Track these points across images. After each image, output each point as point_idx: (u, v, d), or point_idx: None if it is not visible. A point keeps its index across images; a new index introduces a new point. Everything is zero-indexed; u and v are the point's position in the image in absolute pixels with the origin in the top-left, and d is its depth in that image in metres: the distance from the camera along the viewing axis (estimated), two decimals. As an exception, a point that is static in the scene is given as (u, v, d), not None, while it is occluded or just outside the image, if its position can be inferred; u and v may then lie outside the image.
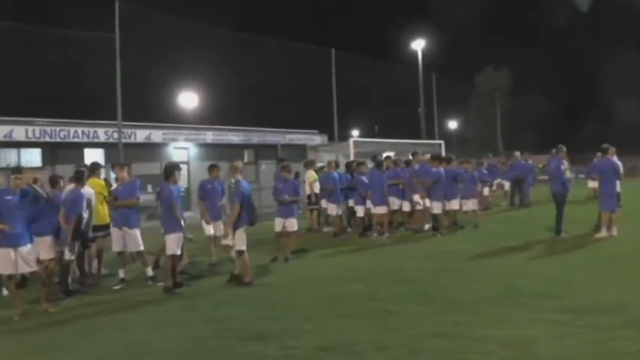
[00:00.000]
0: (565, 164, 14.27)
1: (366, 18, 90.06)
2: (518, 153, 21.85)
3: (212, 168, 12.33)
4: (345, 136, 64.79)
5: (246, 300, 8.99)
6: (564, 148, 14.64)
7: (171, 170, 10.14)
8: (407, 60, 49.03)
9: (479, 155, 31.52)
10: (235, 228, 9.87)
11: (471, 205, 16.19)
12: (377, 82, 53.90)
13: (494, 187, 22.71)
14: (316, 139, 34.79)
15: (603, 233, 13.63)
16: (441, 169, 15.26)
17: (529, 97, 60.50)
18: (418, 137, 47.29)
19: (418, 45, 47.84)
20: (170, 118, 33.61)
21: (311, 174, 17.06)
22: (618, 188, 14.15)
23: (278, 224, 12.35)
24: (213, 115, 36.99)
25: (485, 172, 21.43)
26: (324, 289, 9.56)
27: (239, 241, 9.88)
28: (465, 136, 63.90)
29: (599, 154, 15.27)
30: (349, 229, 16.49)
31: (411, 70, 48.00)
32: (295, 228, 12.41)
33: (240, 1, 59.54)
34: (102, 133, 25.92)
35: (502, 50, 65.41)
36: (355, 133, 72.90)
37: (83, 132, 25.89)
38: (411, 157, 17.00)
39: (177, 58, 36.64)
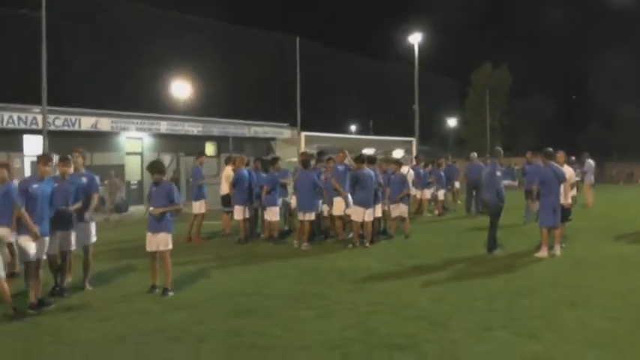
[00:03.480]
0: (501, 170, 11.98)
1: (360, 12, 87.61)
2: (474, 154, 19.49)
3: None
4: (344, 130, 63.17)
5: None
6: (502, 152, 12.37)
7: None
8: (404, 57, 46.90)
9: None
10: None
11: (399, 211, 13.81)
12: (373, 79, 52.15)
13: (454, 190, 20.54)
14: (286, 132, 32.52)
15: (543, 253, 11.37)
16: (367, 171, 12.92)
17: (529, 98, 57.84)
18: (412, 135, 45.21)
19: (415, 39, 45.98)
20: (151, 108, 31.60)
21: (227, 172, 14.82)
22: (566, 199, 11.95)
23: None
24: (203, 107, 35.28)
25: (441, 174, 19.30)
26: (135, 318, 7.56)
27: None
28: (460, 135, 61.43)
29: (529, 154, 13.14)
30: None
31: (406, 67, 45.95)
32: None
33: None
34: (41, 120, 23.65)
35: (501, 48, 63.15)
36: (353, 128, 71.27)
37: (20, 118, 23.84)
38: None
39: (142, 48, 34.72)
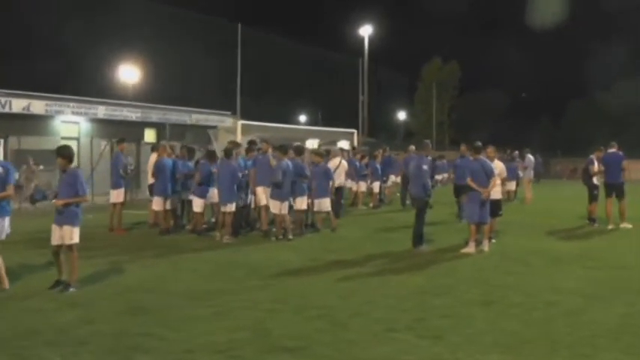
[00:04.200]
0: (429, 163, 11.61)
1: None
2: (412, 147, 19.15)
3: None
4: (293, 121, 62.57)
5: None
6: (430, 145, 12.00)
7: None
8: (356, 48, 46.57)
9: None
10: None
11: (322, 204, 13.33)
12: (323, 70, 51.74)
13: (389, 183, 20.17)
14: (228, 120, 31.68)
15: (470, 249, 11.05)
16: (285, 163, 12.41)
17: (479, 93, 58.17)
18: (358, 126, 45.00)
19: (365, 31, 45.99)
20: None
21: (153, 160, 14.12)
22: (497, 194, 11.68)
23: None
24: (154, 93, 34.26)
25: (377, 166, 18.97)
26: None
27: None
28: (409, 128, 61.52)
29: (463, 146, 12.76)
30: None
31: (356, 58, 45.70)
32: None
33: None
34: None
35: (452, 43, 63.37)
36: (303, 119, 70.79)
37: None
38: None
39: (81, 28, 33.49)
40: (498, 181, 11.96)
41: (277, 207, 12.31)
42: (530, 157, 20.96)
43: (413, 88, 62.01)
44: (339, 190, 16.71)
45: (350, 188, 19.01)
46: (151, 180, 14.12)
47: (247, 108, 34.28)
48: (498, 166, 12.05)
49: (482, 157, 11.40)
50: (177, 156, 14.15)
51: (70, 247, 8.15)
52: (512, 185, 20.73)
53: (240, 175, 12.41)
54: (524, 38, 66.91)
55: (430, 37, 66.32)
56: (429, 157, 12.39)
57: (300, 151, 13.18)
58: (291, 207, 12.94)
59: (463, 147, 14.15)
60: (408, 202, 18.29)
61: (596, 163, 14.79)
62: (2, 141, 24.73)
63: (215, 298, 7.70)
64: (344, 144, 27.81)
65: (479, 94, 60.79)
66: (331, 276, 9.01)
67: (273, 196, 12.33)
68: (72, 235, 8.14)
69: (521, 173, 20.76)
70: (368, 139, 37.61)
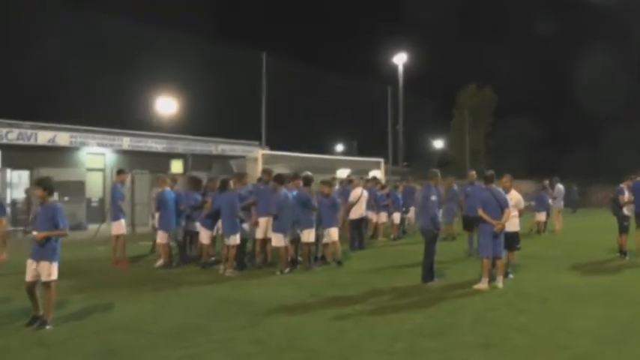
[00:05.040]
0: (438, 194, 10.98)
1: (343, 32, 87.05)
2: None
3: None
4: (330, 151, 62.37)
5: None
6: (439, 174, 11.36)
7: None
8: (387, 76, 46.25)
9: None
10: None
11: (332, 235, 12.78)
12: (359, 100, 51.51)
13: (410, 214, 19.46)
14: (255, 150, 31.42)
15: (483, 285, 10.35)
16: (283, 192, 11.97)
17: (515, 119, 56.82)
18: (396, 155, 44.47)
19: (399, 59, 45.76)
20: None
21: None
22: (513, 226, 11.01)
23: None
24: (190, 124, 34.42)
25: (398, 196, 18.34)
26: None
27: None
28: (445, 157, 60.47)
29: (471, 172, 12.10)
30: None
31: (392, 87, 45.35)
32: None
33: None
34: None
35: (487, 69, 62.40)
36: (339, 148, 70.58)
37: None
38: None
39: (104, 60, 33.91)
40: (515, 212, 11.26)
41: (279, 240, 11.82)
42: (559, 186, 20.02)
43: (450, 116, 61.18)
44: (362, 222, 16.19)
45: (370, 220, 18.42)
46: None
47: (282, 139, 34.07)
48: (514, 197, 11.34)
49: (494, 186, 10.71)
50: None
51: (47, 283, 7.75)
52: (542, 216, 19.86)
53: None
54: (564, 62, 65.69)
55: (465, 64, 65.71)
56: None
57: (308, 181, 12.67)
58: (298, 240, 12.44)
59: (472, 173, 13.33)
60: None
61: (626, 193, 13.93)
62: (28, 173, 25.01)
63: (194, 337, 7.21)
64: (376, 173, 27.25)
65: (512, 119, 59.55)
66: (326, 314, 8.44)
67: (274, 229, 11.85)
68: (50, 271, 7.77)
69: (550, 202, 19.84)
70: (397, 169, 36.88)
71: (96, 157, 26.94)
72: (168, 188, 13.03)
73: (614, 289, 10.13)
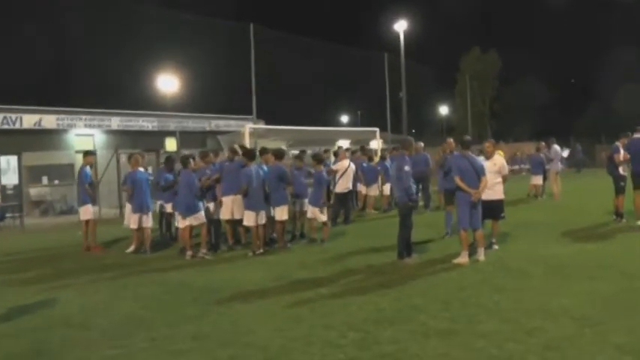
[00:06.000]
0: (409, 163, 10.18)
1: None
2: (420, 144, 17.52)
3: None
4: (335, 123, 61.62)
5: None
6: (418, 143, 10.57)
7: None
8: (388, 43, 45.26)
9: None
10: None
11: (317, 214, 12.11)
12: (359, 69, 50.50)
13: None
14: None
15: (463, 259, 9.67)
16: (254, 167, 11.32)
17: (521, 83, 55.53)
18: (399, 123, 43.66)
19: (400, 27, 44.76)
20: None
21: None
22: (497, 194, 10.29)
23: None
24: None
25: (388, 166, 17.61)
26: None
27: None
28: (451, 123, 59.46)
29: (449, 140, 11.22)
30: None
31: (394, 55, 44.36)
32: None
33: None
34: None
35: (490, 34, 60.98)
36: (345, 119, 69.79)
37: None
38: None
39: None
40: (499, 179, 10.53)
41: (252, 219, 11.17)
42: (556, 147, 19.09)
43: (453, 81, 59.95)
44: (349, 195, 15.54)
45: (359, 192, 17.74)
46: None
47: (285, 113, 33.38)
48: (498, 162, 10.59)
49: (470, 153, 9.97)
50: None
51: None
52: (538, 179, 19.06)
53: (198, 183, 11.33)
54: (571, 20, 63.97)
55: (468, 28, 64.16)
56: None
57: (280, 155, 11.98)
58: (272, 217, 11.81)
59: (450, 140, 12.39)
60: (421, 203, 16.90)
61: (622, 151, 13.12)
62: (16, 157, 24.50)
63: (134, 333, 6.65)
64: (375, 144, 26.52)
65: (523, 83, 58.21)
66: (285, 299, 7.82)
67: (245, 207, 11.20)
68: None
69: (548, 166, 18.99)
70: (398, 137, 36.00)
71: (85, 138, 26.34)
72: (141, 169, 12.36)
73: (604, 260, 9.38)
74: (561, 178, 19.51)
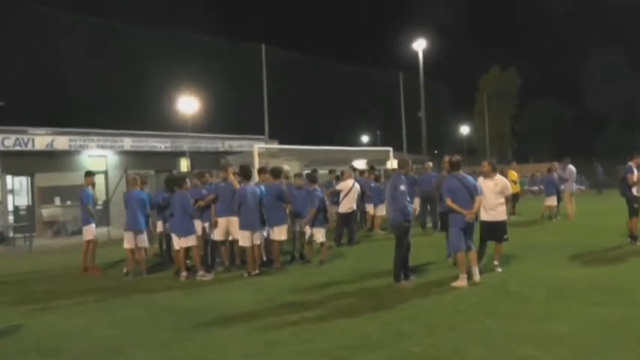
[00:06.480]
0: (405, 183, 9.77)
1: (357, 23, 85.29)
2: (429, 164, 17.13)
3: None
4: (356, 142, 61.44)
5: None
6: (427, 163, 10.19)
7: None
8: (407, 62, 45.23)
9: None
10: None
11: (317, 235, 11.78)
12: (378, 89, 50.45)
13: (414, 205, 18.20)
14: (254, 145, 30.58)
15: (461, 282, 9.23)
16: (250, 188, 11.06)
17: (541, 101, 54.79)
18: (419, 143, 43.34)
19: (419, 46, 44.92)
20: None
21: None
22: (500, 216, 9.88)
23: None
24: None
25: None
26: None
27: None
28: (471, 143, 58.81)
29: (446, 158, 10.70)
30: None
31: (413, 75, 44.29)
32: None
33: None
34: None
35: (510, 52, 60.47)
36: (365, 139, 69.62)
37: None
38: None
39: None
40: (501, 200, 10.11)
41: (247, 239, 10.87)
42: (571, 167, 18.55)
43: (473, 101, 59.44)
44: (351, 216, 15.18)
45: (367, 212, 17.37)
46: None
47: (304, 132, 33.25)
48: (500, 182, 10.16)
49: (461, 172, 9.58)
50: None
51: None
52: (552, 200, 18.49)
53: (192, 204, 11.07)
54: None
55: (487, 49, 63.72)
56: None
57: (277, 173, 11.70)
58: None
59: (447, 158, 11.50)
60: (429, 224, 16.47)
61: (635, 172, 12.61)
62: (29, 178, 24.62)
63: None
64: (393, 163, 26.14)
65: (544, 102, 57.47)
66: (267, 323, 7.48)
67: (240, 227, 10.90)
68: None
69: (562, 187, 18.45)
70: (417, 157, 35.62)
71: (97, 159, 26.31)
72: (138, 189, 12.14)
73: (611, 284, 8.86)
74: (581, 199, 18.94)
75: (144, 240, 11.84)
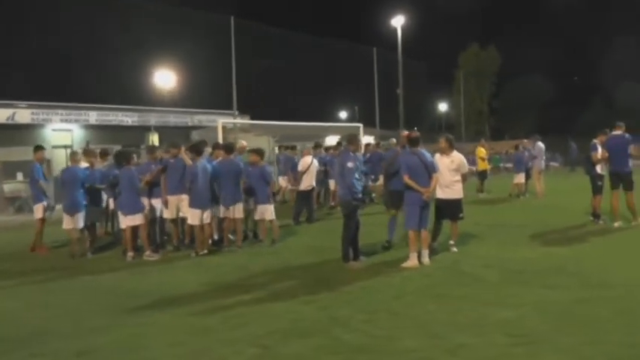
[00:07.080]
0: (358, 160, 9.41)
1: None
2: (393, 140, 16.67)
3: None
4: (335, 118, 60.90)
5: None
6: (358, 139, 9.81)
7: None
8: (386, 38, 44.62)
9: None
10: None
11: (262, 212, 11.37)
12: (358, 65, 49.88)
13: (379, 182, 17.84)
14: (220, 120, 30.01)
15: (412, 262, 8.92)
16: (201, 163, 10.60)
17: (521, 79, 54.47)
18: (398, 120, 42.96)
19: (397, 22, 44.18)
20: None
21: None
22: (456, 194, 9.68)
23: None
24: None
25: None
26: None
27: None
28: (450, 120, 58.58)
29: (393, 140, 10.29)
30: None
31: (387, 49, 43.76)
32: None
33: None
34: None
35: (488, 29, 60.00)
36: (343, 115, 69.09)
37: None
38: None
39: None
40: (457, 177, 9.77)
41: (197, 217, 10.45)
42: (540, 144, 18.27)
43: (451, 78, 59.06)
44: (311, 193, 14.81)
45: (330, 189, 17.03)
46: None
47: (280, 107, 32.63)
48: (456, 159, 9.80)
49: (420, 148, 9.21)
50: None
51: None
52: (520, 178, 18.28)
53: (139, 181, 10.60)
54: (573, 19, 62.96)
55: (467, 25, 63.15)
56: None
57: (229, 148, 11.25)
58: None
59: (404, 134, 10.98)
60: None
61: (599, 149, 12.32)
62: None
63: (18, 348, 5.94)
64: (367, 139, 25.80)
65: (523, 80, 57.22)
66: (202, 307, 7.12)
67: (192, 205, 10.47)
68: None
69: (530, 164, 18.20)
70: (388, 133, 35.23)
71: (62, 133, 25.66)
72: (77, 165, 11.59)
73: (568, 266, 8.57)
74: (552, 177, 18.72)
75: (79, 220, 11.14)
